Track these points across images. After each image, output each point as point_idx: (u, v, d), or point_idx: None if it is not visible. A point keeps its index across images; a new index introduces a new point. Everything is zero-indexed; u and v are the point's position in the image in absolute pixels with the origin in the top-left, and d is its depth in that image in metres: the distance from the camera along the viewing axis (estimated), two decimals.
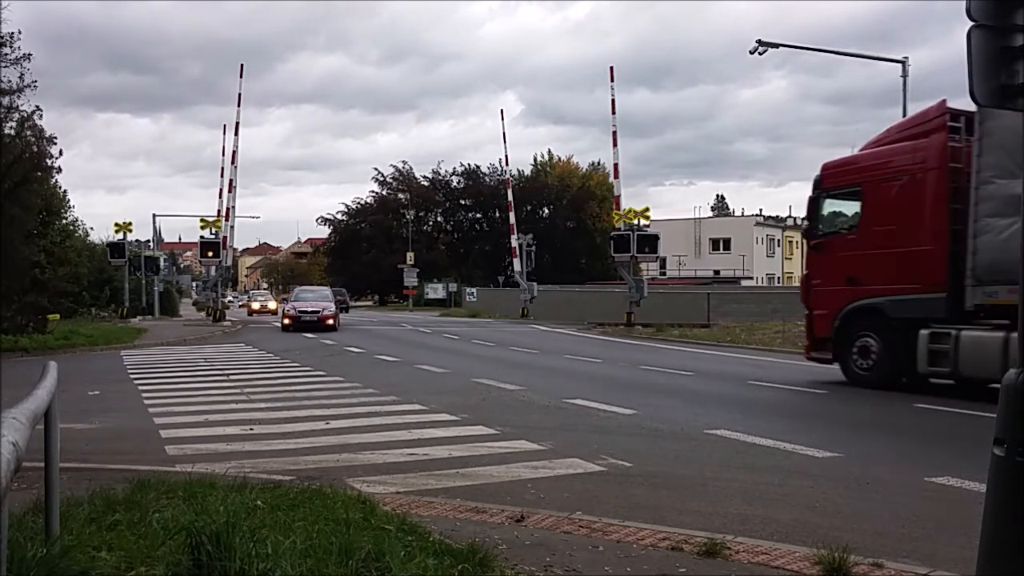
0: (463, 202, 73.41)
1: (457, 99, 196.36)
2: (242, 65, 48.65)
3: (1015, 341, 6.29)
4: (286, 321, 30.99)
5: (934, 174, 12.22)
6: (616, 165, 32.66)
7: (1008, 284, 10.24)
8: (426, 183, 72.94)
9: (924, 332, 12.02)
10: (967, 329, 11.54)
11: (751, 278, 68.20)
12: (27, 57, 22.94)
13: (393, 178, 73.78)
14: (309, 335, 28.11)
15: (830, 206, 14.50)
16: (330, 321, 30.58)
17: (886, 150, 13.29)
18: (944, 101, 12.35)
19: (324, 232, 78.96)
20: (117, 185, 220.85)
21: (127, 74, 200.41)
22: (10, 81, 22.27)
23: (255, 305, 55.60)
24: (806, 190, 14.63)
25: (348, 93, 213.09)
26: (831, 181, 14.05)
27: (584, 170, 71.90)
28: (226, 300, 47.70)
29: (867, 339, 13.12)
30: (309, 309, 31.13)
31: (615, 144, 32.18)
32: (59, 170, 31.23)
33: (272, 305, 54.56)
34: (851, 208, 14.10)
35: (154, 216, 77.90)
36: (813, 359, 14.70)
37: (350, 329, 31.69)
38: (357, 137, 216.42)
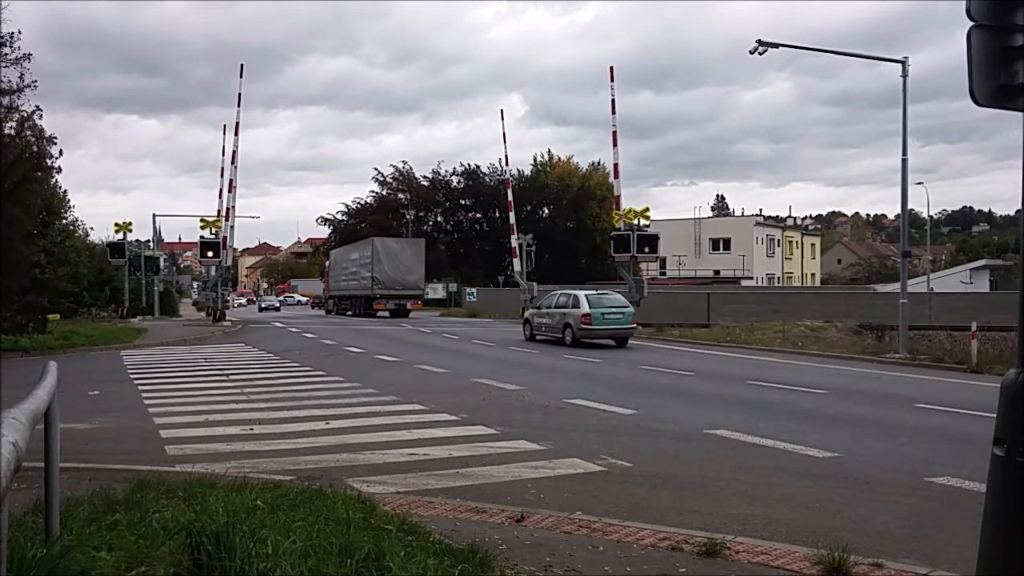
0: (463, 202, 73.28)
1: (462, 101, 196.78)
2: (242, 65, 48.44)
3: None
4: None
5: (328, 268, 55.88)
6: (616, 165, 32.58)
7: (337, 290, 51.97)
8: (426, 183, 72.79)
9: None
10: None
11: (751, 278, 68.05)
12: (27, 57, 22.90)
13: (393, 178, 73.64)
14: (308, 335, 28.22)
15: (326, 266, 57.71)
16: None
17: (326, 261, 59.13)
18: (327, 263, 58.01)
19: (324, 232, 78.94)
20: (121, 185, 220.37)
21: (138, 76, 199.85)
22: (10, 81, 22.28)
23: None
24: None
25: (355, 95, 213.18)
26: (325, 265, 58.45)
27: (584, 170, 71.78)
28: (234, 300, 46.75)
29: (328, 300, 55.27)
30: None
31: (615, 144, 32.11)
32: (59, 170, 31.18)
33: None
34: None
35: (154, 216, 77.87)
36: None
37: (348, 328, 31.70)
38: (362, 138, 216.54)
